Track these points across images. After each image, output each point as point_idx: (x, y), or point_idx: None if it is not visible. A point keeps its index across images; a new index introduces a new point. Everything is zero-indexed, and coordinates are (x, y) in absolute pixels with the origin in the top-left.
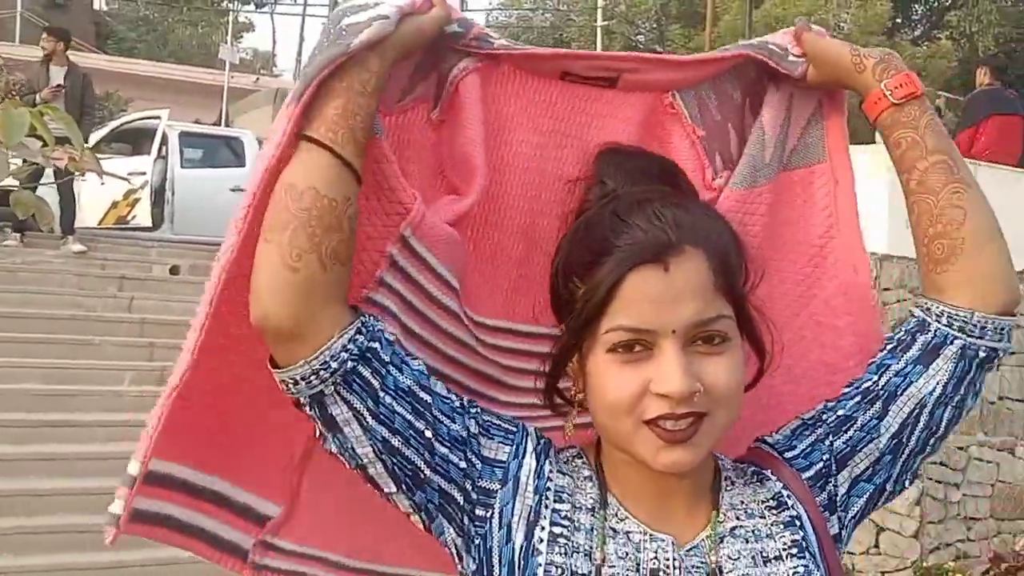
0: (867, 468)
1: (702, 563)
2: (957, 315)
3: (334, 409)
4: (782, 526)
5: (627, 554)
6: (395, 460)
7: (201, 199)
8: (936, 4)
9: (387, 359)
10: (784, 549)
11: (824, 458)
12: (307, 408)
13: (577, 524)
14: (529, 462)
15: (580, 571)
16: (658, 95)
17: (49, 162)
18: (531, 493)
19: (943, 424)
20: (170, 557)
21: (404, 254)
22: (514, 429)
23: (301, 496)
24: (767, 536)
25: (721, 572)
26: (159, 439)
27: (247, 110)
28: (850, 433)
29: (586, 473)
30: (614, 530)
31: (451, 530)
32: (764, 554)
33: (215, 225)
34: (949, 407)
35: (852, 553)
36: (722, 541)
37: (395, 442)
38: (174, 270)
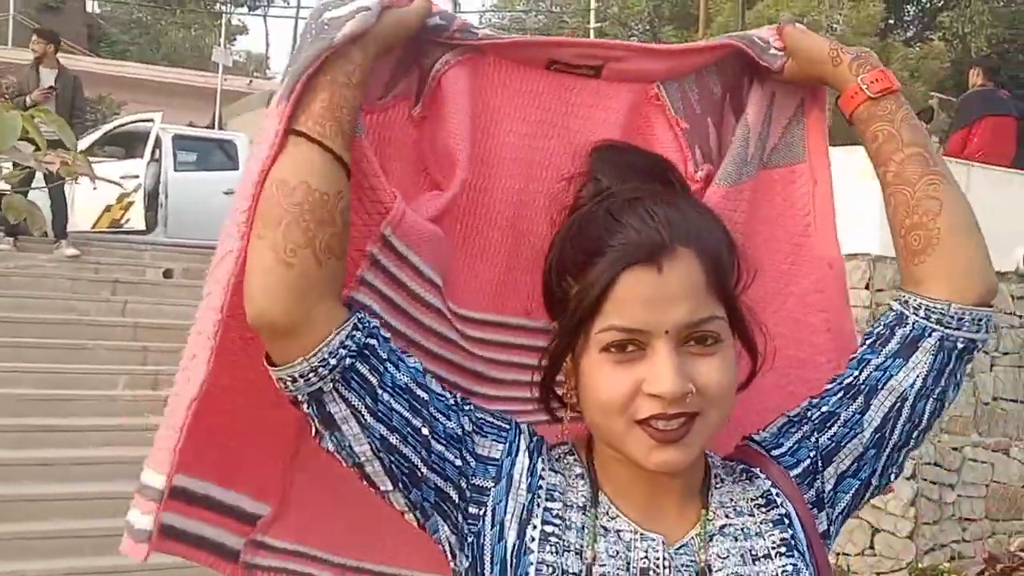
0: (852, 463)
1: (692, 561)
2: (934, 307)
3: (332, 407)
4: (771, 524)
5: (618, 553)
6: (392, 458)
7: (195, 202)
8: (928, 5)
9: (384, 356)
10: (773, 547)
11: (811, 455)
12: (305, 406)
13: (568, 522)
14: (522, 460)
15: (571, 570)
16: (643, 86)
17: (41, 166)
18: (524, 491)
19: (925, 416)
20: (168, 563)
21: (385, 253)
22: (507, 427)
23: (290, 494)
24: (756, 534)
25: (710, 570)
26: (183, 451)
27: (240, 113)
28: (834, 429)
29: (578, 471)
30: (605, 528)
31: (445, 528)
32: (753, 552)
33: (209, 228)
34: (931, 399)
35: (847, 555)
36: (711, 539)
37: (393, 440)
38: (167, 274)
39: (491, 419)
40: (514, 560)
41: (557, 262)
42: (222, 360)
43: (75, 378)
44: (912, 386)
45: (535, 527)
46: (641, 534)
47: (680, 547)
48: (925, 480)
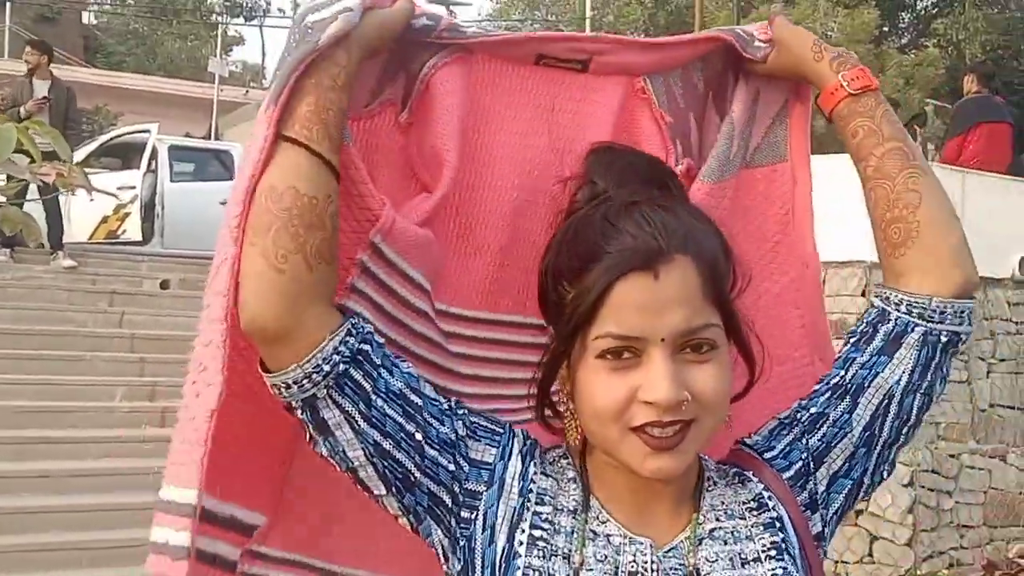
0: (844, 463)
1: (680, 565)
2: (916, 302)
3: (326, 413)
4: (762, 528)
5: (606, 557)
6: (386, 463)
7: (191, 213)
8: (923, 12)
9: (378, 361)
10: (763, 551)
11: (803, 457)
12: (299, 412)
13: (558, 527)
14: (515, 464)
15: (558, 574)
16: (630, 80)
17: (36, 178)
18: (515, 495)
19: (914, 412)
20: None
21: (375, 261)
22: (501, 431)
23: (284, 502)
24: (747, 538)
25: (699, 574)
26: (210, 470)
27: (237, 123)
28: (823, 430)
29: (571, 474)
30: (595, 532)
31: (438, 532)
32: (743, 556)
33: (205, 239)
34: (918, 394)
35: (846, 562)
36: (701, 543)
37: (386, 445)
38: (164, 284)
39: (485, 423)
40: (503, 564)
41: (553, 267)
42: (231, 368)
43: (72, 390)
44: (898, 382)
45: (524, 531)
46: (630, 538)
47: (669, 550)
48: (923, 487)
